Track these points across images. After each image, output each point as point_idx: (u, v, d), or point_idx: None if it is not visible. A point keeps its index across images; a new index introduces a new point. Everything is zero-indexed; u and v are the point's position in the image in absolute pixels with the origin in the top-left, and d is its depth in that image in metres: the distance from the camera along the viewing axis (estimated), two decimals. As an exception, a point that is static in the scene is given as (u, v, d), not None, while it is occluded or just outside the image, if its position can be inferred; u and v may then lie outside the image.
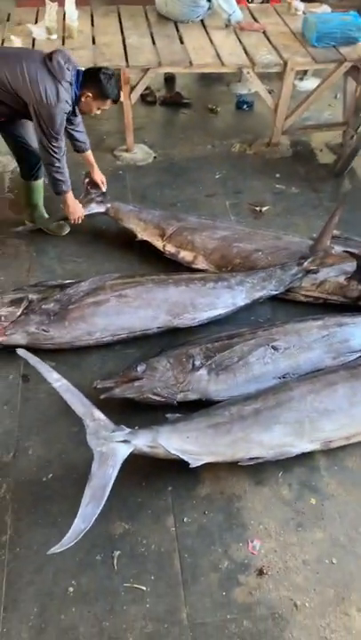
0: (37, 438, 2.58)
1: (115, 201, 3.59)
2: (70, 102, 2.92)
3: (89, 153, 3.41)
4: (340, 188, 4.14)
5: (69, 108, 2.94)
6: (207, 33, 4.36)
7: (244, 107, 4.98)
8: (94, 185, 3.55)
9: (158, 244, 3.40)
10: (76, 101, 2.97)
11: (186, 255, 3.35)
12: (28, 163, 3.36)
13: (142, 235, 3.44)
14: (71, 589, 2.11)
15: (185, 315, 2.96)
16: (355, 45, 4.20)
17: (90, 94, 2.93)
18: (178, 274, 3.16)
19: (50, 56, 2.83)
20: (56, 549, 1.93)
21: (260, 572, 2.15)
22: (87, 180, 3.56)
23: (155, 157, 4.35)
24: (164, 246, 3.39)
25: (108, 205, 3.55)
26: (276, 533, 2.26)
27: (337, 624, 2.03)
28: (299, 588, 2.11)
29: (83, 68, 2.98)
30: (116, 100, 3.03)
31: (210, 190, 4.04)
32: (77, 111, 3.10)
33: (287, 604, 2.07)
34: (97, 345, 2.92)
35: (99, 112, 3.08)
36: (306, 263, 3.12)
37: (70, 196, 3.26)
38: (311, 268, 3.12)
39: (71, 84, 2.87)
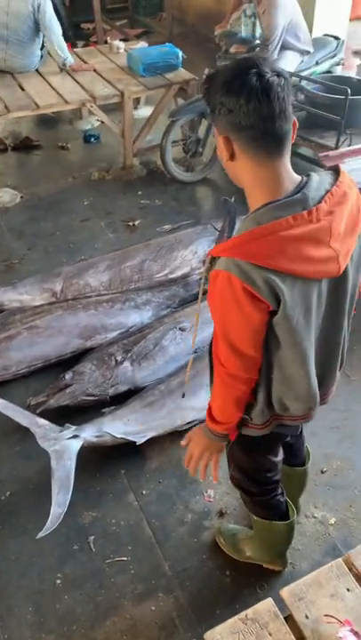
0: (-17, 465, 2.67)
1: None
2: None
3: None
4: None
5: None
6: (44, 78, 4.72)
7: (92, 140, 5.37)
8: None
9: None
10: None
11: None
12: None
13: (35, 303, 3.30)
14: (59, 581, 2.24)
15: (96, 336, 3.07)
16: (177, 71, 4.80)
17: None
18: (86, 298, 3.28)
19: None
20: (42, 534, 2.09)
21: (221, 514, 2.44)
22: None
23: (21, 197, 4.56)
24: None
25: None
26: (223, 479, 2.55)
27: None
28: (255, 516, 2.43)
29: None
30: None
31: (83, 216, 4.34)
32: None
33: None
34: (14, 378, 3.01)
35: None
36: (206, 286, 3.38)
37: None
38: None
39: None
